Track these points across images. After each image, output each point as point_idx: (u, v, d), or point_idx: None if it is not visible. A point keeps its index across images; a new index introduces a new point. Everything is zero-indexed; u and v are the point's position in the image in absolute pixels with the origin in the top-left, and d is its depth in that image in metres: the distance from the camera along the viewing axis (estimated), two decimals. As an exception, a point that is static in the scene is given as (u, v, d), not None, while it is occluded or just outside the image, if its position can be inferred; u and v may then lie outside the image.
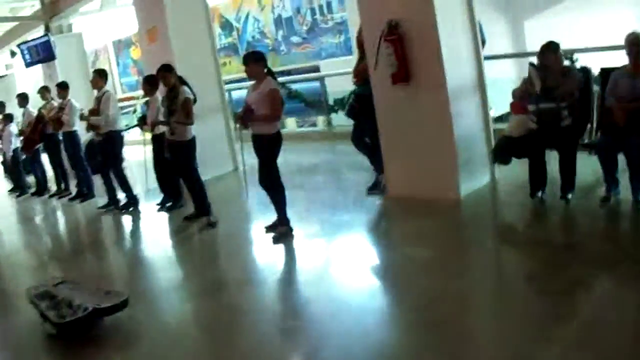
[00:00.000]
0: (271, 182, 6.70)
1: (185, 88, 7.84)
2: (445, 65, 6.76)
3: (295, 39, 17.90)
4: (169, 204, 9.16)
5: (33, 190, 13.02)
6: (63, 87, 10.87)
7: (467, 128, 7.04)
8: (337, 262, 6.24)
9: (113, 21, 20.07)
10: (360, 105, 7.73)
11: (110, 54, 23.64)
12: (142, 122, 9.05)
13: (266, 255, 6.68)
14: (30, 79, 28.32)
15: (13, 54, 22.49)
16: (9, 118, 12.80)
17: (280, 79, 14.03)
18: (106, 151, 9.47)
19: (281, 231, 6.83)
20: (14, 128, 12.77)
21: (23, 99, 12.41)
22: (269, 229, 7.02)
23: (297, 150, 11.12)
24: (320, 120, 14.16)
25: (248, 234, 7.76)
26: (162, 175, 9.09)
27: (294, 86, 13.70)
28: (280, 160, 6.72)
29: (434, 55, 6.81)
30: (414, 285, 5.21)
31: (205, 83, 10.52)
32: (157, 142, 8.62)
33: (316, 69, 16.60)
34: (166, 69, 7.89)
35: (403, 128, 7.29)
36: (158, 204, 9.31)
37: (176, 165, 8.07)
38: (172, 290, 6.24)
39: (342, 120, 11.86)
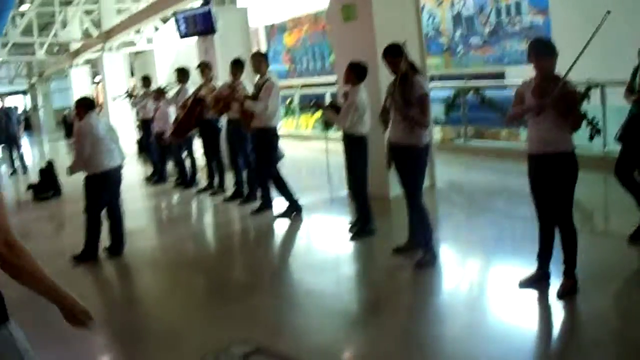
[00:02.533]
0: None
1: (420, 79, 5.71)
2: None
3: (474, 40, 15.82)
4: (356, 226, 7.19)
5: (174, 179, 11.50)
6: (238, 66, 8.97)
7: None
8: None
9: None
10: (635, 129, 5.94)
11: (260, 39, 22.06)
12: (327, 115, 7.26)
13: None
14: (170, 57, 27.68)
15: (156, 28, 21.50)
16: (162, 93, 11.08)
17: (472, 83, 12.33)
18: (258, 150, 8.25)
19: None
20: (171, 106, 11.13)
21: (184, 74, 10.67)
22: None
23: (484, 169, 10.18)
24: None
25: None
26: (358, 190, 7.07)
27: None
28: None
29: None
30: None
31: None
32: (355, 142, 6.83)
33: (501, 76, 14.48)
34: (396, 53, 5.80)
35: None
36: (350, 224, 7.32)
37: (403, 180, 6.00)
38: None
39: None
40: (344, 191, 8.86)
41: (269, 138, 8.03)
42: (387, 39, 8.22)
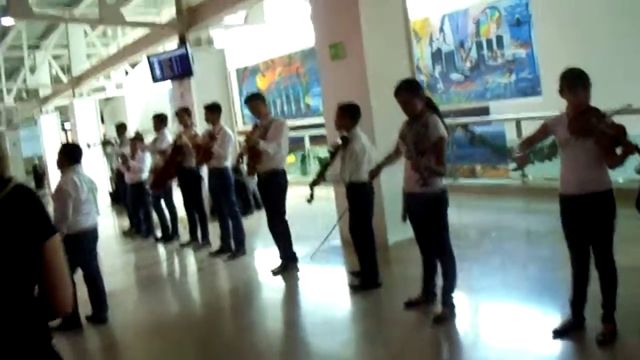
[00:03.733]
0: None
1: (437, 119, 5.19)
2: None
3: (455, 76, 15.44)
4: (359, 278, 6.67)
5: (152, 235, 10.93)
6: (214, 110, 8.53)
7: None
8: None
9: (257, 40, 18.11)
10: None
11: (232, 82, 21.67)
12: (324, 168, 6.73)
13: None
14: (141, 103, 27.21)
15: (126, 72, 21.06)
16: (140, 139, 10.51)
17: (462, 120, 11.97)
18: (267, 195, 7.62)
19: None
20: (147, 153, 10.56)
21: (161, 120, 10.12)
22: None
23: (479, 208, 9.65)
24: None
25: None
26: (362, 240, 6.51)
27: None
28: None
29: None
30: None
31: (397, 116, 8.01)
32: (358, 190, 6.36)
33: (485, 111, 14.16)
34: (413, 90, 5.29)
35: None
36: (352, 274, 6.88)
37: (425, 228, 5.44)
38: None
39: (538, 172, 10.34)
40: (336, 240, 8.43)
41: (279, 181, 7.44)
42: (379, 78, 7.94)
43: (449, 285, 5.40)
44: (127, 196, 11.49)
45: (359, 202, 6.39)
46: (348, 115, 6.33)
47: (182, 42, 12.34)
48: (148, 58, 12.95)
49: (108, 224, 12.55)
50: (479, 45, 14.92)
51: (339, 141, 6.36)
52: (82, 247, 6.45)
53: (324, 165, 6.69)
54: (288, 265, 7.49)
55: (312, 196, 6.63)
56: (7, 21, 12.23)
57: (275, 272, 7.48)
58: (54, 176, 23.35)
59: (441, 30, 15.61)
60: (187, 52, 11.82)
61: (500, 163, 12.28)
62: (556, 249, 7.61)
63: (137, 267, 9.58)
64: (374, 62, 7.97)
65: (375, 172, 5.79)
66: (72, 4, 17.63)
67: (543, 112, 11.52)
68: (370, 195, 6.32)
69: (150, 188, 9.95)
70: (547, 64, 12.74)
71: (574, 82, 4.43)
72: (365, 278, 6.49)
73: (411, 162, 5.11)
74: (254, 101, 7.64)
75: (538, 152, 10.78)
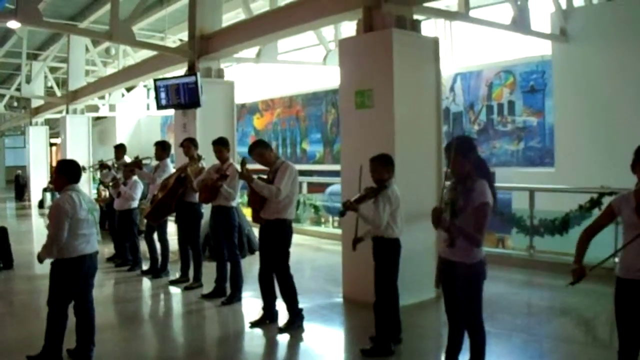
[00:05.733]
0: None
1: (485, 184, 4.72)
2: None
3: (462, 138, 15.10)
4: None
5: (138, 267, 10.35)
6: (224, 145, 8.10)
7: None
8: None
9: (261, 77, 17.83)
10: None
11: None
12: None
13: None
14: (130, 128, 26.79)
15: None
16: (139, 164, 9.99)
17: None
18: (271, 244, 6.93)
19: None
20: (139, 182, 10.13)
21: (164, 149, 9.61)
22: None
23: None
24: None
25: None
26: (381, 303, 5.98)
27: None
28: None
29: None
30: None
31: (424, 169, 7.98)
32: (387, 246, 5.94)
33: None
34: (464, 150, 4.78)
35: None
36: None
37: (458, 299, 4.93)
38: None
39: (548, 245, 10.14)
40: (339, 298, 8.04)
41: (284, 233, 6.85)
42: (406, 130, 7.55)
43: None
44: (114, 223, 10.91)
45: (387, 259, 5.91)
46: (384, 164, 5.98)
47: (192, 70, 11.89)
48: (155, 82, 12.45)
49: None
50: (490, 109, 14.68)
51: (375, 185, 5.91)
52: (80, 274, 5.79)
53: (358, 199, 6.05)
54: (295, 322, 6.89)
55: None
56: (14, 25, 11.74)
57: (281, 329, 6.87)
58: (35, 188, 22.75)
59: (452, 89, 15.37)
60: (197, 80, 11.34)
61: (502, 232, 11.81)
62: (575, 328, 7.31)
63: (120, 301, 8.80)
64: (403, 113, 7.57)
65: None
66: (77, 18, 17.28)
67: (555, 183, 11.34)
68: (399, 253, 5.84)
69: (145, 219, 9.35)
70: (562, 135, 12.48)
71: None
72: (379, 342, 5.97)
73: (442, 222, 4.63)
74: (264, 144, 7.10)
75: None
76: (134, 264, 10.26)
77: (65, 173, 5.83)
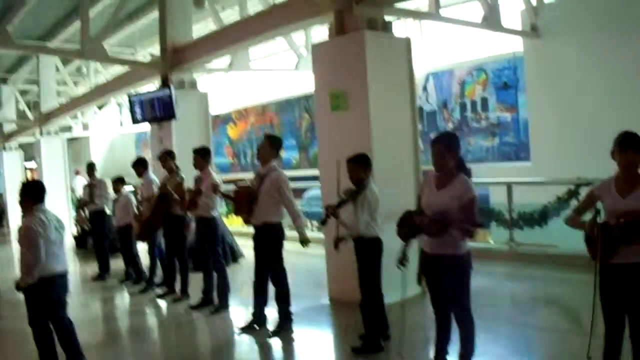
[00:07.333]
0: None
1: (468, 179, 4.84)
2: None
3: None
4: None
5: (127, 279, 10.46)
6: (204, 155, 8.13)
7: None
8: None
9: (233, 87, 17.81)
10: None
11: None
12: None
13: None
14: (105, 145, 26.67)
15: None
16: (122, 183, 10.04)
17: None
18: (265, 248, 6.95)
19: None
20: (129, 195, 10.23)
21: (142, 165, 9.66)
22: None
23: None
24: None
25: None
26: (367, 302, 6.05)
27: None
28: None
29: None
30: None
31: (400, 168, 8.03)
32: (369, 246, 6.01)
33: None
34: (450, 145, 4.89)
35: None
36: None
37: (446, 291, 5.02)
38: None
39: (527, 237, 10.30)
40: (325, 299, 8.11)
41: (278, 235, 6.91)
42: (382, 131, 7.61)
43: (469, 352, 5.03)
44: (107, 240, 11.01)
45: (370, 258, 5.96)
46: (360, 164, 6.02)
47: (165, 83, 11.90)
48: (129, 97, 12.46)
49: (71, 270, 11.79)
50: (463, 107, 14.79)
51: (353, 187, 5.96)
52: (52, 295, 5.78)
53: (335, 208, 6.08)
54: (286, 326, 6.92)
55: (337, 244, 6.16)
56: (-17, 49, 11.69)
57: (272, 334, 6.89)
58: (14, 214, 22.50)
59: (424, 89, 15.46)
60: (170, 93, 11.37)
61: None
62: (559, 317, 7.39)
63: (109, 318, 8.82)
64: (378, 114, 7.65)
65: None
66: (46, 38, 17.15)
67: (531, 177, 11.49)
68: (381, 252, 5.89)
69: (137, 239, 9.43)
70: (536, 129, 12.62)
71: (626, 143, 4.24)
72: (369, 340, 6.03)
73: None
74: (268, 145, 7.06)
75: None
76: (138, 277, 10.24)
77: (29, 195, 5.81)
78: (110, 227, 11.08)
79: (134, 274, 10.35)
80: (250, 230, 7.04)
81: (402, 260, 5.10)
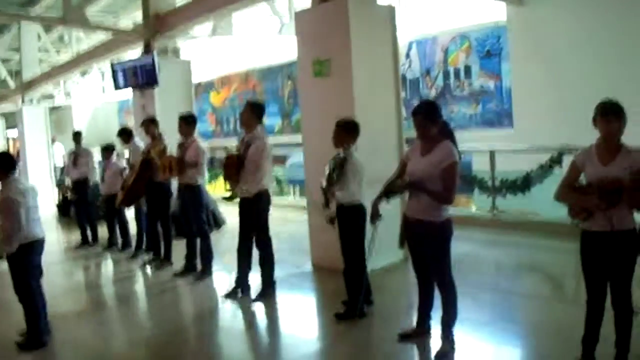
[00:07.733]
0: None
1: (451, 144, 4.93)
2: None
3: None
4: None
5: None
6: (190, 122, 8.12)
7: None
8: None
9: (216, 54, 17.67)
10: None
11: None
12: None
13: None
14: (87, 114, 26.49)
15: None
16: (110, 151, 10.00)
17: None
18: (251, 215, 6.94)
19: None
20: (121, 161, 10.30)
21: (128, 134, 9.73)
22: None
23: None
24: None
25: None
26: (355, 266, 6.06)
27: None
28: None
29: None
30: None
31: (384, 135, 8.01)
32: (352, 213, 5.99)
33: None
34: (431, 115, 4.95)
35: None
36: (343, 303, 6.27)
37: (426, 257, 5.13)
38: None
39: (510, 205, 10.45)
40: (307, 265, 8.19)
41: (264, 203, 6.92)
42: (365, 98, 7.62)
43: (451, 317, 5.09)
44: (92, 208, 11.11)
45: (353, 225, 5.99)
46: (348, 131, 6.00)
47: (148, 49, 11.83)
48: (112, 65, 12.38)
49: (54, 239, 11.81)
50: (446, 74, 14.78)
51: (342, 155, 5.97)
52: (34, 259, 5.90)
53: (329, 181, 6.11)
54: (267, 292, 6.99)
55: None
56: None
57: (255, 299, 6.95)
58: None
59: (407, 56, 15.41)
60: (153, 60, 11.30)
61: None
62: (542, 284, 7.47)
63: (92, 287, 8.80)
64: (361, 81, 7.64)
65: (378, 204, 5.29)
66: (28, 5, 16.96)
67: (514, 143, 11.54)
68: (365, 218, 5.93)
69: (119, 205, 9.45)
70: (519, 97, 12.66)
71: (606, 110, 4.24)
72: (352, 306, 6.08)
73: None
74: (250, 110, 6.95)
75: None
76: (124, 245, 10.34)
77: (1, 166, 5.80)
78: (95, 195, 11.03)
79: (120, 242, 10.34)
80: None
81: (374, 217, 5.23)
